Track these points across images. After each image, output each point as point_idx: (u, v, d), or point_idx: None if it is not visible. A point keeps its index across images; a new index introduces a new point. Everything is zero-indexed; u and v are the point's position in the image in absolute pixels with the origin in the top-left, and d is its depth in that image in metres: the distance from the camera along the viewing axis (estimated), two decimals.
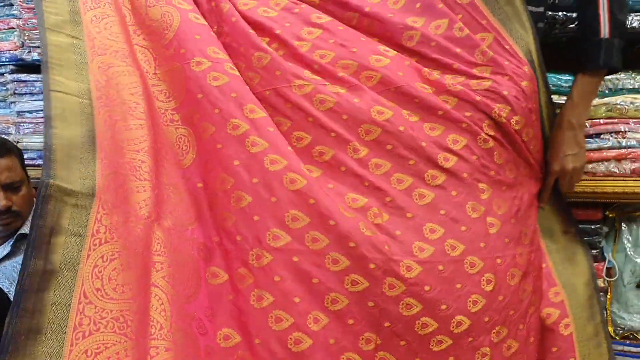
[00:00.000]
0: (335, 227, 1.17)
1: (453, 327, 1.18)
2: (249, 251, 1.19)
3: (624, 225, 1.55)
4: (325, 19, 1.36)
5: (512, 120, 1.30)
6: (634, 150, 1.49)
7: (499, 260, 1.24)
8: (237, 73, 1.28)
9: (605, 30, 1.32)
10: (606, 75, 1.39)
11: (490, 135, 1.28)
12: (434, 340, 1.18)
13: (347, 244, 1.17)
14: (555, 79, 1.52)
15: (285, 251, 1.18)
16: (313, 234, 1.18)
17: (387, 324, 1.16)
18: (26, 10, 1.86)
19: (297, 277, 1.17)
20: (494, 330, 1.22)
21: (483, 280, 1.21)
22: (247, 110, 1.24)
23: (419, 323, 1.16)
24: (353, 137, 1.27)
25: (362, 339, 1.17)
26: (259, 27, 1.34)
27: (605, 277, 1.53)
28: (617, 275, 1.53)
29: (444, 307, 1.17)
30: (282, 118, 1.28)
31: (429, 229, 1.21)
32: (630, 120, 1.51)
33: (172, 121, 1.28)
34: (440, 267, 1.18)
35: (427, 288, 1.16)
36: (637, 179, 1.48)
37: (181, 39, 1.28)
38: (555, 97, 1.45)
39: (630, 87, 1.52)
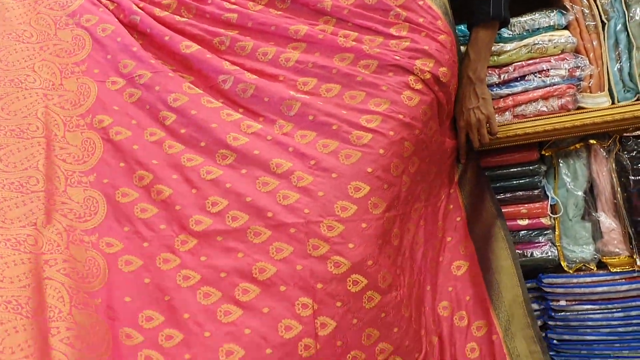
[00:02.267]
0: (252, 203, 1.22)
1: (380, 282, 1.21)
2: (174, 237, 1.24)
3: (561, 161, 1.56)
4: (234, 16, 1.40)
5: (439, 72, 1.31)
6: (558, 86, 1.51)
7: (403, 217, 1.30)
8: (148, 78, 1.35)
9: None
10: (499, 29, 1.44)
11: (416, 91, 1.29)
12: (365, 297, 1.20)
13: (265, 215, 1.21)
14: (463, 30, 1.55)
15: (208, 233, 1.23)
16: (232, 213, 1.23)
17: (319, 286, 1.18)
18: None
19: (223, 254, 1.21)
20: (406, 282, 1.29)
21: (393, 236, 1.26)
22: (161, 117, 1.32)
23: (349, 280, 1.18)
24: (277, 116, 1.31)
25: (298, 304, 1.18)
26: (178, 32, 1.40)
27: (550, 215, 1.55)
28: (562, 211, 1.55)
29: (370, 262, 1.19)
30: (213, 100, 1.34)
31: (354, 187, 1.21)
32: (551, 57, 1.52)
33: (78, 126, 1.31)
34: (364, 225, 1.20)
35: (351, 246, 1.18)
36: (566, 114, 1.51)
37: (94, 60, 1.38)
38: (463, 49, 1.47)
39: (547, 25, 1.53)
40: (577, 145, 1.54)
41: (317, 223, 1.19)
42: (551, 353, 1.56)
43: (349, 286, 1.18)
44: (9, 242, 1.12)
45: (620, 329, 1.53)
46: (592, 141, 1.52)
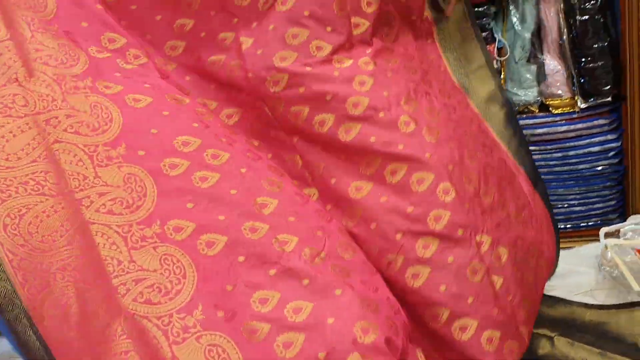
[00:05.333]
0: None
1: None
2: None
3: (511, 2, 1.54)
4: None
5: None
6: None
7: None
8: None
9: None
10: None
11: None
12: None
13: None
14: None
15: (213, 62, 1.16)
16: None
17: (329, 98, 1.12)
18: None
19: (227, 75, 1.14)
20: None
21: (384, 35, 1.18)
22: None
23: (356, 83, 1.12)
24: None
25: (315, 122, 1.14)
26: None
27: (497, 57, 1.54)
28: (508, 54, 1.55)
29: (369, 51, 1.12)
30: None
31: None
32: None
33: None
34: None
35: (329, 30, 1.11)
36: None
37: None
38: None
39: None
40: None
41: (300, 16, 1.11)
42: None
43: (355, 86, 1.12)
44: None
45: (557, 169, 1.60)
46: None
